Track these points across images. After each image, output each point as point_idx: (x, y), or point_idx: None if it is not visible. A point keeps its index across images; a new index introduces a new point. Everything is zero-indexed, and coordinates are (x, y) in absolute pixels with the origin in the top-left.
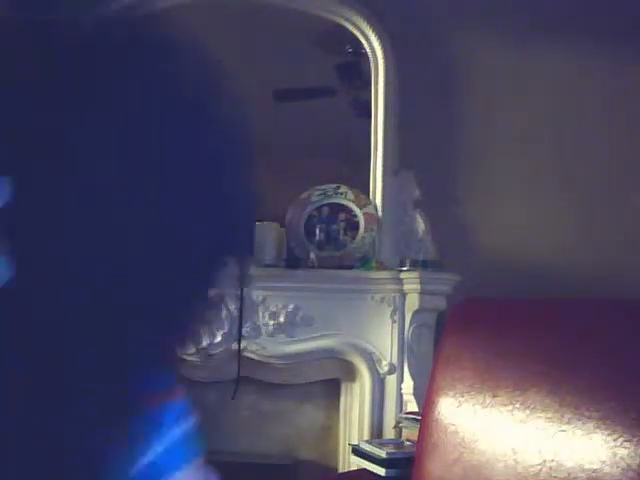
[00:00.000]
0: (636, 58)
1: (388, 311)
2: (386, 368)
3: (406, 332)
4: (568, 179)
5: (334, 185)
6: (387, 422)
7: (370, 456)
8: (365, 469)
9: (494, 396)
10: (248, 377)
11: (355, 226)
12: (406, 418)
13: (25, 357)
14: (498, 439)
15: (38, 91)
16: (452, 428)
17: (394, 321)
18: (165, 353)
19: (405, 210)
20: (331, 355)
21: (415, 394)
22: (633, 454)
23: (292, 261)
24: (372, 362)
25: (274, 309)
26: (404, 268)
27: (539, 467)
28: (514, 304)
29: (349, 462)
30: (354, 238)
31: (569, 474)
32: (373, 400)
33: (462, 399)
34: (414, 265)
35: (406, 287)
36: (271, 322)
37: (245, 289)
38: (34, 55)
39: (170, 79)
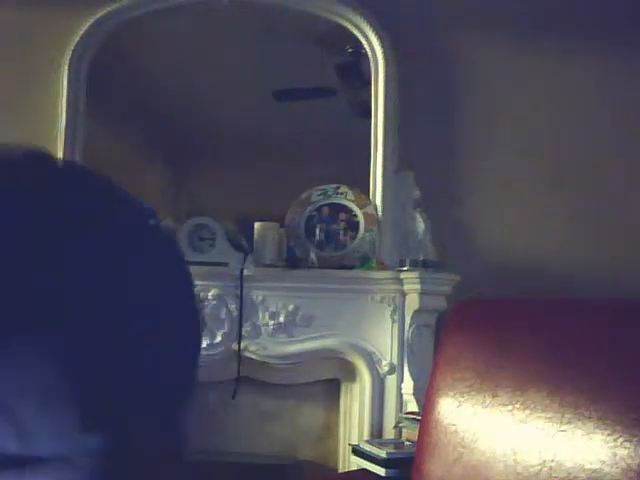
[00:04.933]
0: (636, 58)
1: (388, 311)
2: (386, 368)
3: (406, 332)
4: (568, 179)
5: (334, 185)
6: (387, 422)
7: (370, 456)
8: (365, 469)
9: (494, 396)
10: (248, 377)
11: (355, 226)
12: (406, 418)
13: None
14: (498, 439)
15: None
16: (452, 428)
17: (394, 321)
18: None
19: (405, 210)
20: (331, 355)
21: (415, 394)
22: (633, 454)
23: (292, 261)
24: (372, 362)
25: (274, 309)
26: (404, 268)
27: (539, 467)
28: (514, 304)
29: (349, 462)
30: (354, 238)
31: (569, 474)
32: (373, 400)
33: (462, 399)
34: (414, 265)
35: (406, 287)
36: (271, 322)
37: (244, 289)
38: None
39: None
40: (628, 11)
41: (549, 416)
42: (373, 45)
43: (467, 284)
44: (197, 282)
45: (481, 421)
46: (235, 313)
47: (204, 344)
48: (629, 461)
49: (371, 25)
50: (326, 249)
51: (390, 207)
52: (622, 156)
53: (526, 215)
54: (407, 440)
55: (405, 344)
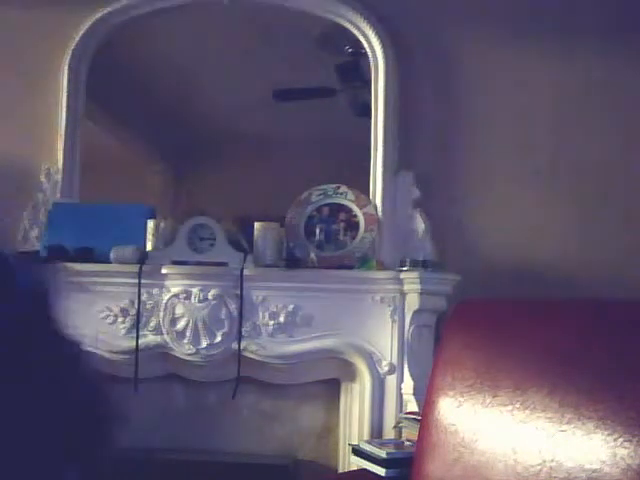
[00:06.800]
0: (636, 59)
1: (388, 311)
2: (386, 368)
3: (406, 332)
4: (568, 179)
5: (334, 185)
6: (387, 422)
7: (370, 456)
8: (365, 469)
9: (494, 396)
10: (248, 377)
11: (355, 226)
12: (406, 418)
13: None
14: (498, 439)
15: None
16: (452, 428)
17: (394, 321)
18: None
19: (405, 210)
20: (331, 355)
21: (415, 394)
22: (633, 454)
23: (292, 261)
24: (372, 362)
25: (274, 309)
26: (404, 268)
27: (539, 467)
28: (514, 304)
29: (349, 462)
30: (354, 238)
31: (569, 474)
32: (373, 400)
33: (462, 399)
34: (414, 265)
35: (406, 287)
36: (271, 322)
37: (244, 289)
38: None
39: None
40: (629, 10)
41: (549, 416)
42: (373, 45)
43: (467, 284)
44: (197, 282)
45: (481, 421)
46: (235, 313)
47: (204, 344)
48: (629, 461)
49: (371, 25)
50: (326, 249)
51: (390, 207)
52: (622, 156)
53: (526, 215)
54: (407, 440)
55: (405, 344)
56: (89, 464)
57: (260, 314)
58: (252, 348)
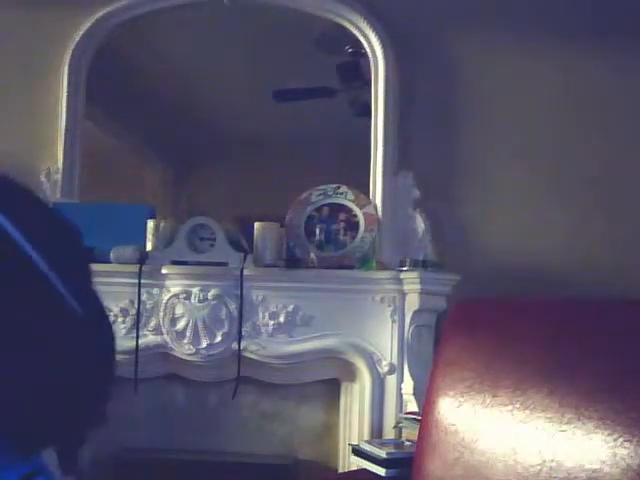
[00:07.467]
0: (636, 59)
1: (388, 311)
2: (386, 368)
3: (406, 332)
4: (568, 179)
5: (334, 185)
6: (387, 422)
7: (370, 456)
8: (365, 469)
9: (494, 396)
10: (248, 377)
11: (355, 226)
12: (406, 418)
13: None
14: (498, 439)
15: None
16: (452, 428)
17: (394, 321)
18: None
19: (405, 210)
20: (331, 355)
21: (415, 394)
22: (633, 454)
23: (292, 261)
24: (372, 362)
25: (274, 309)
26: (404, 268)
27: (539, 467)
28: (514, 304)
29: (349, 462)
30: (354, 238)
31: (569, 474)
32: (373, 400)
33: (462, 399)
34: (414, 265)
35: (406, 287)
36: (271, 322)
37: (244, 289)
38: None
39: None
40: (629, 10)
41: (549, 416)
42: (373, 45)
43: (467, 284)
44: (197, 282)
45: (481, 421)
46: (235, 313)
47: (204, 344)
48: (629, 461)
49: (371, 25)
50: (326, 249)
51: (390, 207)
52: (623, 156)
53: (526, 215)
54: (407, 440)
55: (405, 344)
56: (85, 423)
57: (260, 314)
58: (252, 348)
